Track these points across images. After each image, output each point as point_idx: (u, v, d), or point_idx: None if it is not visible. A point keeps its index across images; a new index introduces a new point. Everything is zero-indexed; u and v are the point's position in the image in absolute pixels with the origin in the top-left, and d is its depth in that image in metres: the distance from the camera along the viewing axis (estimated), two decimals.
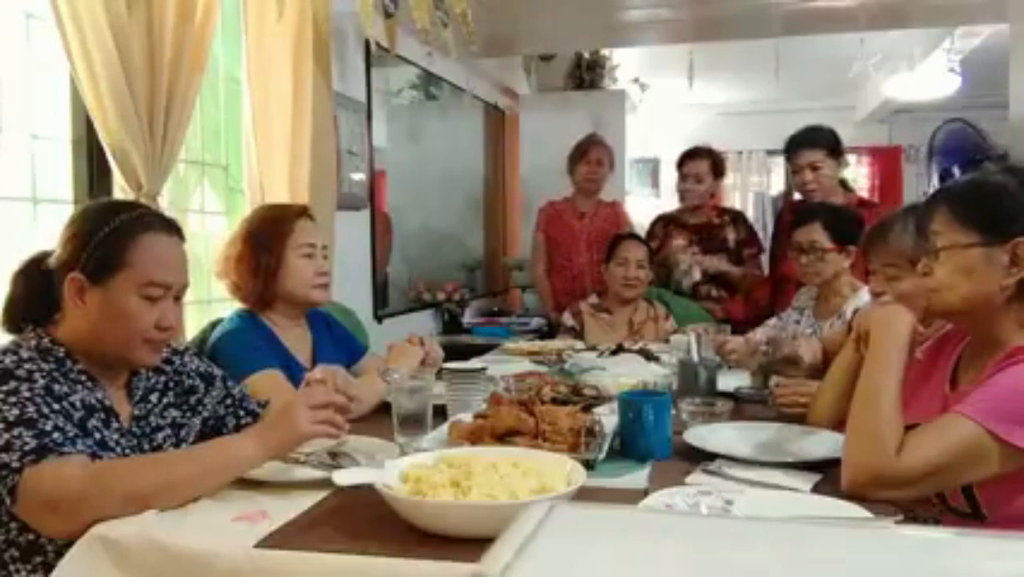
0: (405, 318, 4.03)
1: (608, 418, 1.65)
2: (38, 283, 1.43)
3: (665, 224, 3.81)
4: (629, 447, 1.58)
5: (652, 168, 7.66)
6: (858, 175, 7.56)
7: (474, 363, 2.22)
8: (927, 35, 5.24)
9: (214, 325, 2.07)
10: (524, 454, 1.37)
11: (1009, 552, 0.56)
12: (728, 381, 2.16)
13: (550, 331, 3.96)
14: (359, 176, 3.50)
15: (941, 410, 1.38)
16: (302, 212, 2.11)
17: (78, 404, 1.36)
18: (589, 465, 1.41)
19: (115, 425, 1.43)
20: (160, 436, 1.51)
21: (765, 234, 4.39)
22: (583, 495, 1.23)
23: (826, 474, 1.42)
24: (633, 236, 3.46)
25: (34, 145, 2.14)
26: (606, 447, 1.52)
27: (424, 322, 4.29)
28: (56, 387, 1.33)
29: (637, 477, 1.46)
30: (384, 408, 1.80)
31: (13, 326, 1.44)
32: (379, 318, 3.73)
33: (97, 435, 1.37)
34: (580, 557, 0.56)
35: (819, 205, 2.87)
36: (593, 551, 0.57)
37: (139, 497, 1.25)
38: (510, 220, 5.61)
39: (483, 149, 5.40)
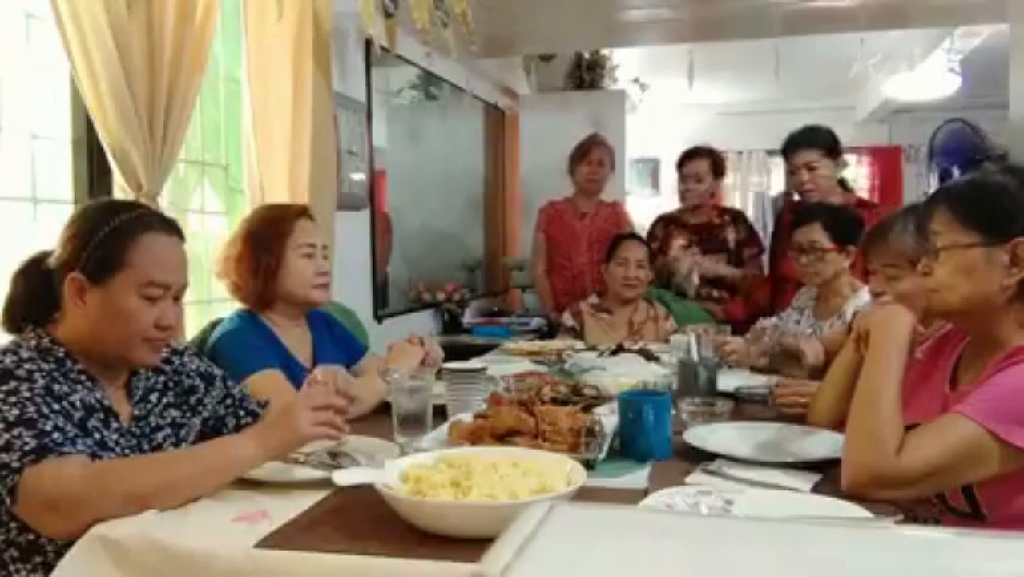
0: (405, 318, 4.03)
1: (608, 418, 1.65)
2: (38, 283, 1.43)
3: (666, 224, 3.81)
4: (629, 447, 1.58)
5: (652, 168, 7.66)
6: (858, 175, 7.57)
7: (474, 363, 2.22)
8: (927, 35, 5.24)
9: (214, 325, 2.07)
10: (524, 454, 1.37)
11: (1009, 552, 0.56)
12: (728, 381, 2.16)
13: (550, 331, 3.96)
14: (359, 176, 3.50)
15: (941, 410, 1.38)
16: (302, 212, 2.11)
17: (78, 404, 1.36)
18: (589, 465, 1.41)
19: (115, 425, 1.43)
20: (160, 436, 1.51)
21: (765, 234, 4.38)
22: (583, 495, 1.23)
23: (826, 474, 1.42)
24: (633, 236, 3.46)
25: (34, 145, 2.14)
26: (606, 447, 1.52)
27: (424, 322, 4.29)
28: (56, 387, 1.33)
29: (637, 477, 1.46)
30: (384, 408, 1.80)
31: (13, 326, 1.44)
32: (379, 318, 3.73)
33: (97, 435, 1.37)
34: (580, 557, 0.56)
35: (819, 205, 2.87)
36: (593, 551, 0.57)
37: (139, 497, 1.25)
38: (510, 220, 5.61)
39: (483, 149, 5.40)
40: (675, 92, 6.34)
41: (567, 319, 3.33)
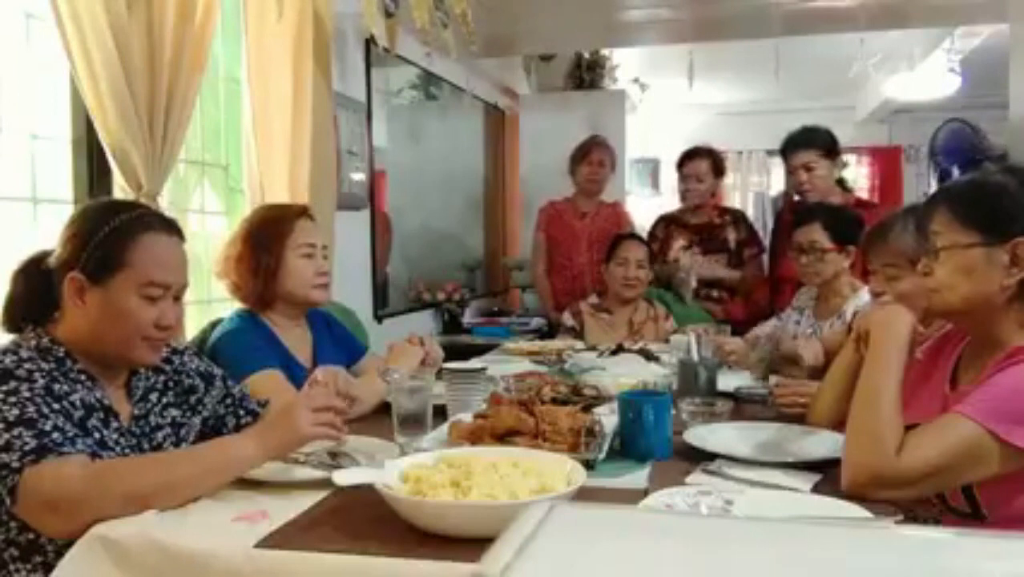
0: (405, 318, 4.03)
1: (608, 418, 1.65)
2: (38, 283, 1.43)
3: (666, 224, 3.81)
4: (629, 447, 1.58)
5: (652, 168, 7.66)
6: (858, 175, 7.57)
7: (474, 363, 2.22)
8: (927, 35, 5.24)
9: (214, 325, 2.07)
10: (524, 454, 1.37)
11: (1009, 552, 0.56)
12: (728, 381, 2.16)
13: (550, 331, 3.96)
14: (359, 176, 3.50)
15: (941, 410, 1.38)
16: (302, 212, 2.11)
17: (78, 403, 1.36)
18: (589, 465, 1.41)
19: (115, 425, 1.43)
20: (160, 435, 1.51)
21: (765, 234, 4.39)
22: (583, 495, 1.23)
23: (826, 474, 1.42)
24: (633, 236, 3.46)
25: (34, 145, 2.14)
26: (606, 447, 1.52)
27: (424, 322, 4.29)
28: (56, 387, 1.33)
29: (637, 477, 1.46)
30: (384, 408, 1.80)
31: (13, 326, 1.44)
32: (379, 318, 3.73)
33: (97, 434, 1.37)
34: (580, 557, 0.56)
35: (819, 205, 2.87)
36: (593, 551, 0.57)
37: (139, 497, 1.25)
38: (510, 220, 5.61)
39: (483, 149, 5.40)
40: (675, 92, 6.34)
41: (567, 319, 3.33)
